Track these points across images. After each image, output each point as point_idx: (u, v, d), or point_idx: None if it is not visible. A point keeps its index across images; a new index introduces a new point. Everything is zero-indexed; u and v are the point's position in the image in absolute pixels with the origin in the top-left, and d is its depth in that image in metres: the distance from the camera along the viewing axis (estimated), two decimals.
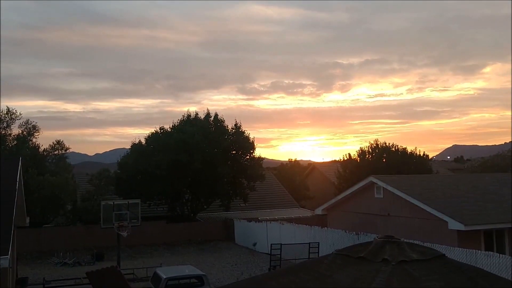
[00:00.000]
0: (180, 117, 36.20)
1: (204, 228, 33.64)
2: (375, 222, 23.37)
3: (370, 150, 40.11)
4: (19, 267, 21.89)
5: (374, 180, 24.05)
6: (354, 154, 41.37)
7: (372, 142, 40.50)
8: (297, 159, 54.39)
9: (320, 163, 57.67)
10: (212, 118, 35.49)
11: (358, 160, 40.17)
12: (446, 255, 3.92)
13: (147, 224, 30.19)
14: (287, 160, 55.72)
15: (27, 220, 19.37)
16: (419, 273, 3.58)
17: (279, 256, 21.80)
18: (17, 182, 11.82)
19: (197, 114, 36.12)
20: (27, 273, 22.07)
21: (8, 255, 8.11)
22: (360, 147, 40.93)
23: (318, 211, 28.47)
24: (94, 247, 28.85)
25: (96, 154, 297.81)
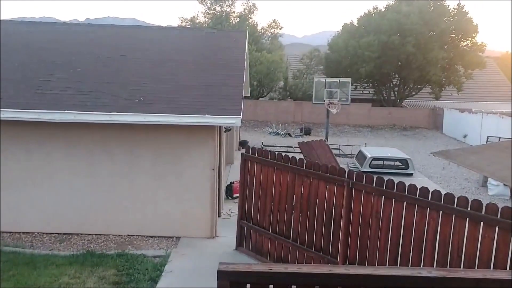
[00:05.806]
0: None
1: (410, 114, 32.77)
2: None
3: None
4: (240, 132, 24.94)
5: None
6: None
7: None
8: None
9: None
10: None
11: None
12: None
13: (353, 106, 30.67)
14: None
15: (249, 90, 21.43)
16: None
17: None
18: (245, 52, 12.99)
19: None
20: (246, 137, 25.04)
21: (240, 115, 9.15)
22: None
23: None
24: (302, 122, 30.95)
25: (304, 36, 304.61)
